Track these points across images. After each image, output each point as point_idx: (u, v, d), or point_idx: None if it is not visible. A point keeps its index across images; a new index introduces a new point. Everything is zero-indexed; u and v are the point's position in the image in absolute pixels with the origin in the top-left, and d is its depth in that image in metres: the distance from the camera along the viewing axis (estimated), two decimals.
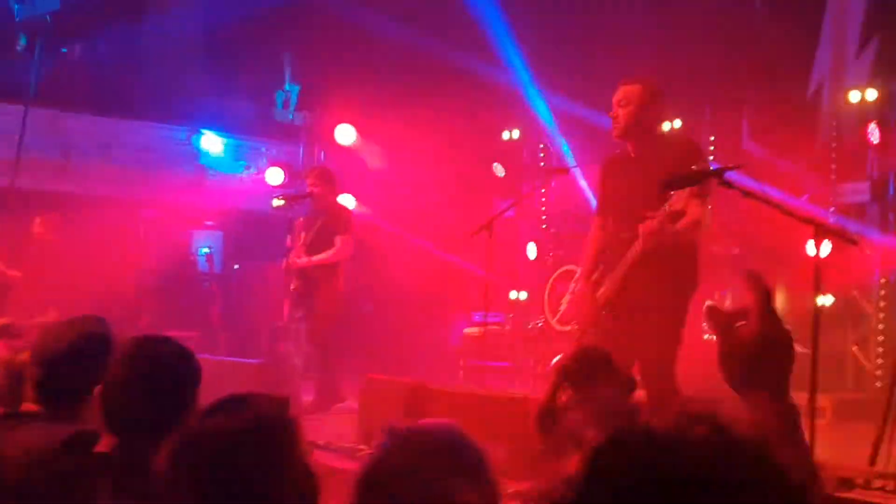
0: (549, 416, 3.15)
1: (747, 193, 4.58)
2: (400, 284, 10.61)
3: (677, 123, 9.52)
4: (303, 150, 11.06)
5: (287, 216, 9.95)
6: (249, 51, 12.87)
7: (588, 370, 3.19)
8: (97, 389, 2.39)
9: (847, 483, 2.85)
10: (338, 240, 7.98)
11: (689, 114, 9.53)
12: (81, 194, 11.02)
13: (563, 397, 3.11)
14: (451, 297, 10.32)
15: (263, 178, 10.63)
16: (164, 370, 2.40)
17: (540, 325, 9.34)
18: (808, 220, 4.45)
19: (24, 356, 2.92)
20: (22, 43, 11.37)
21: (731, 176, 4.52)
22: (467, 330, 9.70)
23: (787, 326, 1.50)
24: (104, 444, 2.35)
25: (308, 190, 8.27)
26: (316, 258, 7.97)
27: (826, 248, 5.78)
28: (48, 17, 10.19)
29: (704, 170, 4.73)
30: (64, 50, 11.75)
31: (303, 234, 8.26)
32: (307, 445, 1.75)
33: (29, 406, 2.74)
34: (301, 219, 8.48)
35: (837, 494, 2.76)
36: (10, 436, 2.56)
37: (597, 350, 3.44)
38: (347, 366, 8.24)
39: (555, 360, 3.47)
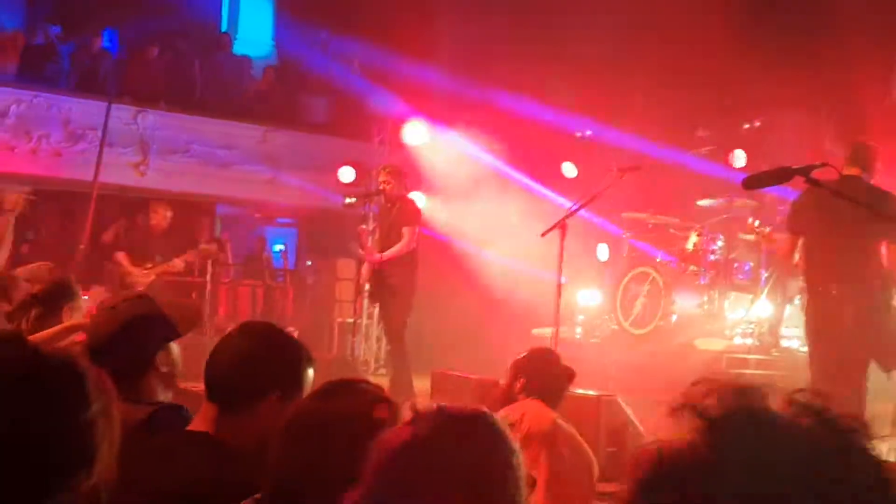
0: (505, 401, 4.14)
1: (835, 192, 4.48)
2: (467, 283, 10.60)
3: (756, 124, 9.38)
4: (374, 148, 11.10)
5: (358, 213, 10.04)
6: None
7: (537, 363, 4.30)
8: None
9: None
10: (405, 231, 8.03)
11: (770, 115, 9.38)
12: (160, 190, 11.25)
13: (518, 385, 4.18)
14: (520, 297, 10.26)
15: (336, 176, 10.71)
16: (271, 348, 2.41)
17: (613, 327, 9.24)
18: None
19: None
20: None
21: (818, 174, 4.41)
22: (536, 330, 9.63)
23: None
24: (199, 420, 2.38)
25: (380, 187, 8.33)
26: (387, 253, 8.02)
27: None
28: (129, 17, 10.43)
29: (789, 168, 4.63)
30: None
31: (375, 232, 8.31)
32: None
33: None
34: (365, 226, 8.61)
35: None
36: None
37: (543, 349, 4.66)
38: (415, 363, 8.25)
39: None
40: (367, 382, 2.00)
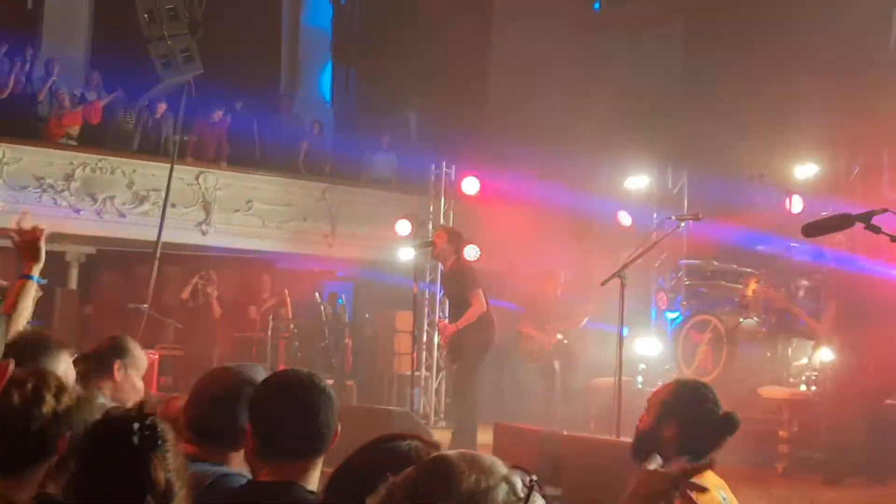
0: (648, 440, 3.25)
1: (894, 238, 4.43)
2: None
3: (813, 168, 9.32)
4: (431, 203, 11.23)
5: (414, 265, 10.15)
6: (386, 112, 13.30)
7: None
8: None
9: None
10: (469, 297, 8.10)
11: (828, 157, 9.31)
12: (222, 248, 11.50)
13: (668, 433, 3.20)
14: (580, 345, 10.23)
15: (393, 229, 10.85)
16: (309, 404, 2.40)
17: (674, 375, 9.15)
18: None
19: (177, 403, 3.02)
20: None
21: (879, 220, 4.38)
22: (597, 380, 9.59)
23: None
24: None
25: (432, 240, 8.52)
26: (458, 324, 8.10)
27: None
28: (191, 80, 10.72)
29: (849, 215, 4.61)
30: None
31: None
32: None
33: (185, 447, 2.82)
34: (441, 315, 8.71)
35: None
36: None
37: (693, 382, 3.49)
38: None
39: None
40: (415, 438, 2.03)
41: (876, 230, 4.38)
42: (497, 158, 11.18)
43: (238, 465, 2.68)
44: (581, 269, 10.35)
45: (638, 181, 10.75)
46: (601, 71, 11.50)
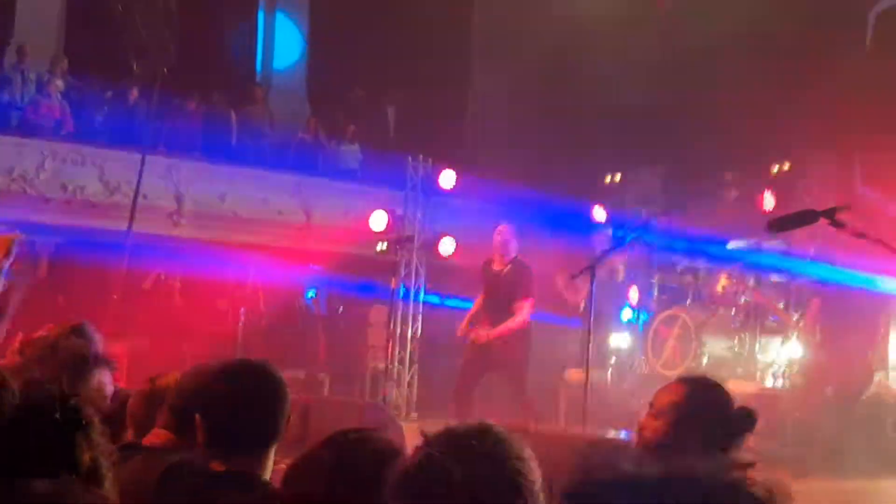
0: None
1: (860, 235, 4.47)
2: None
3: (786, 166, 9.41)
4: (405, 196, 11.21)
5: (390, 260, 10.13)
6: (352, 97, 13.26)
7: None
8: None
9: None
10: (521, 303, 7.63)
11: (800, 158, 9.39)
12: (194, 239, 11.42)
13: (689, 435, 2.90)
14: (551, 339, 10.25)
15: (367, 223, 10.82)
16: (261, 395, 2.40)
17: (644, 369, 9.21)
18: None
19: (164, 381, 2.99)
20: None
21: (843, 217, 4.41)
22: (568, 373, 9.63)
23: None
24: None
25: (498, 249, 7.88)
26: (497, 330, 7.62)
27: None
28: (164, 70, 10.63)
29: (814, 211, 4.64)
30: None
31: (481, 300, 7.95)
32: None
33: (159, 433, 2.80)
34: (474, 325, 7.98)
35: None
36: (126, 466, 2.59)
37: (704, 379, 3.21)
38: (446, 410, 8.24)
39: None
40: (380, 433, 2.05)
41: (840, 226, 4.42)
42: (475, 153, 11.19)
43: None
44: (557, 262, 10.37)
45: (614, 177, 10.81)
46: (580, 67, 11.51)
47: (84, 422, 1.80)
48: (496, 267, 7.87)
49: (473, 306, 8.14)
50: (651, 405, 3.10)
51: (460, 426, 1.65)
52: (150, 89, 10.91)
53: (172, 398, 2.79)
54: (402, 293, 10.43)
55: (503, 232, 7.91)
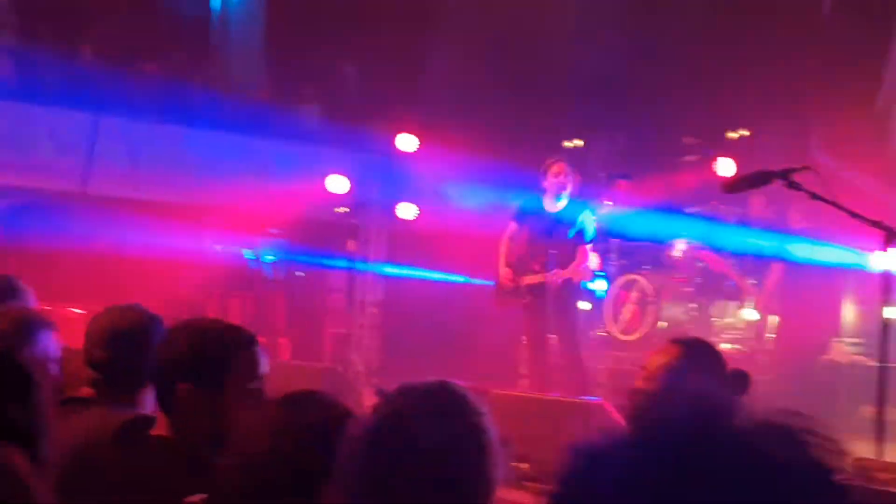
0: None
1: (815, 196, 4.48)
2: (460, 292, 10.61)
3: (744, 132, 9.43)
4: (364, 158, 11.11)
5: (350, 224, 10.06)
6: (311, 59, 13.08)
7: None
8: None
9: None
10: (584, 246, 7.16)
11: (757, 124, 9.42)
12: (148, 200, 11.25)
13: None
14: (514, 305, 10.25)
15: (326, 186, 10.72)
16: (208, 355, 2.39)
17: (602, 334, 9.25)
18: (877, 224, 4.33)
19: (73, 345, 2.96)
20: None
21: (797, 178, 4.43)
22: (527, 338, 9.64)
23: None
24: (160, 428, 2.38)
25: (562, 188, 7.28)
26: (577, 269, 7.10)
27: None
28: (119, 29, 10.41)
29: (769, 171, 4.65)
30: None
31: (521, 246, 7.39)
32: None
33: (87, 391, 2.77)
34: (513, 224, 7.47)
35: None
36: (69, 422, 2.57)
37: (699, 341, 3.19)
38: (411, 369, 8.22)
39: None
40: (329, 396, 2.02)
41: (795, 187, 4.44)
42: (436, 117, 11.07)
43: (151, 407, 2.65)
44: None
45: (575, 142, 10.79)
46: (542, 35, 11.43)
47: (19, 379, 1.76)
48: (549, 207, 7.32)
49: (502, 256, 7.52)
50: (644, 368, 3.04)
51: (418, 383, 1.64)
52: (102, 49, 10.70)
53: (94, 348, 2.80)
54: (361, 258, 10.37)
55: (561, 169, 7.32)
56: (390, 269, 10.71)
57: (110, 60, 10.57)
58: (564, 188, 7.23)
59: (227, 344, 2.37)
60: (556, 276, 7.02)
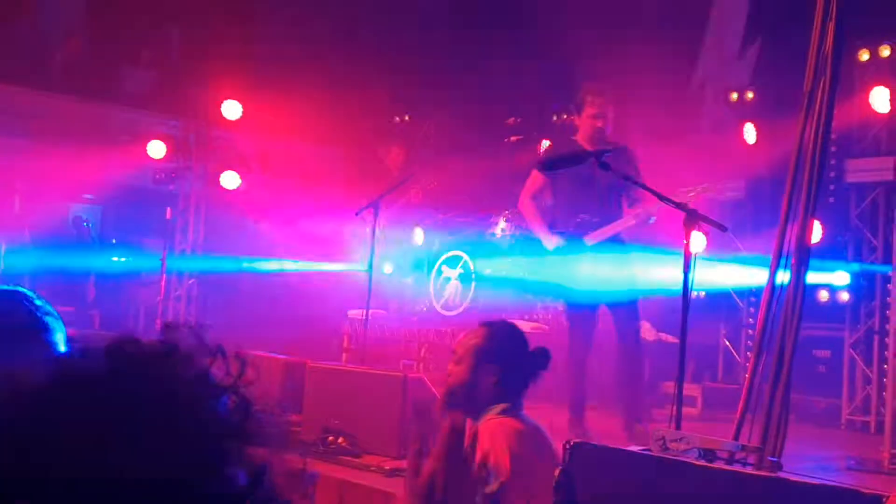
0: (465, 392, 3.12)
1: (625, 177, 4.65)
2: (282, 266, 10.47)
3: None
4: (187, 125, 10.73)
5: (168, 191, 9.70)
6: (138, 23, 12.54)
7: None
8: None
9: (710, 454, 2.93)
10: (640, 188, 5.05)
11: (569, 99, 9.64)
12: None
13: (488, 380, 3.10)
14: (336, 279, 10.21)
15: (145, 151, 10.31)
16: None
17: (425, 309, 9.33)
18: (680, 206, 4.51)
19: None
20: None
21: (609, 158, 4.57)
22: (351, 312, 9.61)
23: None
24: None
25: (596, 122, 6.08)
26: (616, 225, 6.12)
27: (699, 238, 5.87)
28: None
29: (585, 151, 4.79)
30: None
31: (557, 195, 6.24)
32: None
33: None
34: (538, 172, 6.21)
35: (702, 464, 2.82)
36: None
37: (504, 323, 3.41)
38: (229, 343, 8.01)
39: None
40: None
41: (606, 167, 4.58)
42: (265, 83, 10.80)
43: None
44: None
45: (403, 117, 10.80)
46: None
47: None
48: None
49: (534, 215, 6.43)
50: (454, 352, 3.21)
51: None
52: None
53: None
54: (179, 226, 10.06)
55: (605, 111, 6.13)
56: (210, 241, 10.41)
57: None
58: (607, 130, 6.19)
59: None
60: (605, 231, 6.16)
